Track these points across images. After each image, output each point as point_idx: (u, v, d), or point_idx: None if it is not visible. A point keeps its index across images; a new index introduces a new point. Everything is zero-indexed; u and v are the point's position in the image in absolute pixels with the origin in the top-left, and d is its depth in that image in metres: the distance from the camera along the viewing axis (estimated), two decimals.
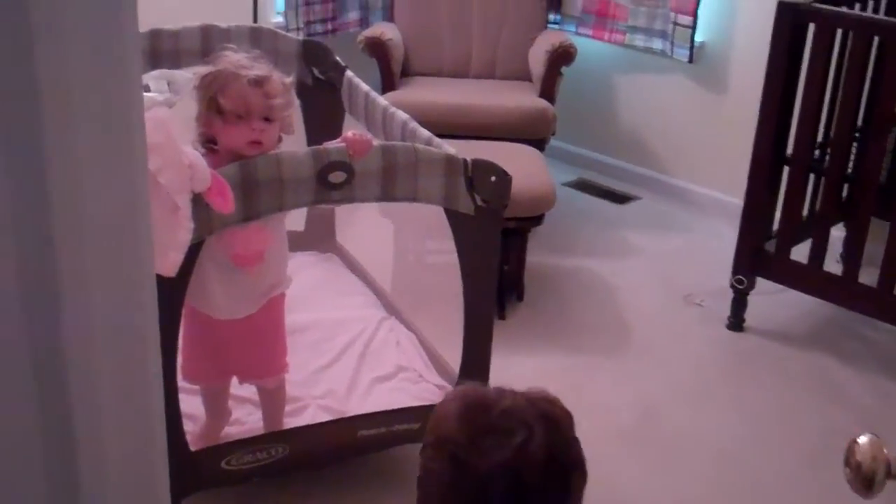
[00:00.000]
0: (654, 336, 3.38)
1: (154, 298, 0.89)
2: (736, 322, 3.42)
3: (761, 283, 3.36)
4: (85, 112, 0.79)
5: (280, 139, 2.15)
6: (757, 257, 3.31)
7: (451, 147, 2.25)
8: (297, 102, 2.21)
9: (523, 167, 3.18)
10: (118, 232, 0.84)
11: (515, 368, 2.81)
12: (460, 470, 1.15)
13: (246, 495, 2.41)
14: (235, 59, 2.12)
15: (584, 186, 4.63)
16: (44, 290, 0.79)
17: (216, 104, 2.07)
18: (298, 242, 3.02)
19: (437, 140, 2.32)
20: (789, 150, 3.24)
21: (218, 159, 2.07)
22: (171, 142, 1.85)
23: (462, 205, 2.19)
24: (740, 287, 3.35)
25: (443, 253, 2.47)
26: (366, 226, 3.16)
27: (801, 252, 3.28)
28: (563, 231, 4.08)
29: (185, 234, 1.86)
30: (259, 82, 2.07)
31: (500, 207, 2.23)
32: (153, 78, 2.01)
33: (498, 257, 2.36)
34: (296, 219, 2.94)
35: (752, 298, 3.40)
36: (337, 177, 2.03)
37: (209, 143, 2.13)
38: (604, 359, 3.21)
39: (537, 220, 3.39)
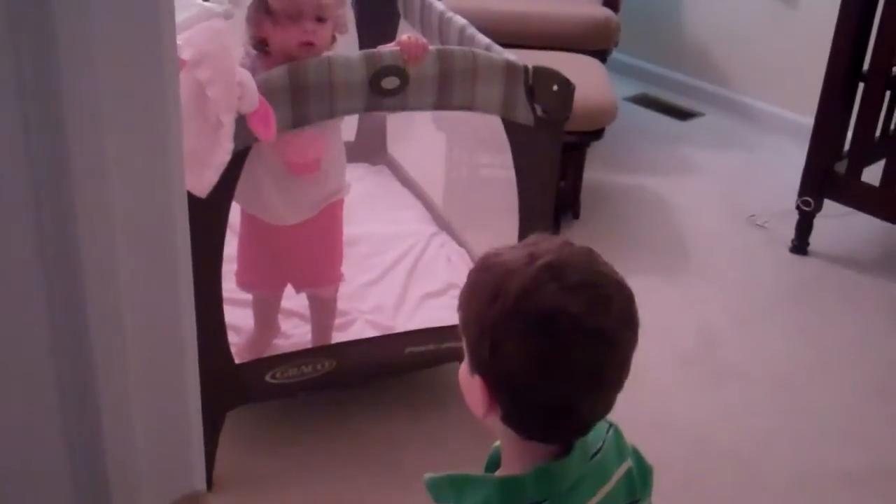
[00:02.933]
0: (714, 257, 3.27)
1: (184, 212, 0.81)
2: (800, 245, 3.30)
3: (828, 206, 3.22)
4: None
5: (334, 38, 2.05)
6: (826, 178, 3.17)
7: (511, 55, 2.13)
8: (346, 4, 2.09)
9: (584, 79, 3.03)
10: (141, 132, 0.75)
11: None
12: (562, 341, 1.05)
13: (289, 412, 2.37)
14: None
15: (645, 101, 4.47)
16: (57, 182, 0.71)
17: (265, 4, 1.98)
18: (349, 153, 2.90)
19: (496, 47, 2.20)
20: (865, 66, 3.07)
21: (270, 62, 1.98)
22: (225, 54, 1.77)
23: (521, 115, 2.09)
24: (807, 209, 3.21)
25: (497, 167, 2.37)
26: (418, 138, 3.06)
27: (872, 174, 3.13)
28: (622, 147, 3.95)
29: (223, 154, 1.78)
30: None
31: (561, 119, 2.12)
32: None
33: (557, 172, 2.26)
34: (346, 129, 2.85)
35: (819, 221, 3.26)
36: (390, 82, 1.93)
37: (261, 45, 2.04)
38: (661, 280, 3.11)
39: (597, 134, 3.26)
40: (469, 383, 1.13)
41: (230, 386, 2.09)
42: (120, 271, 0.77)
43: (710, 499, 2.27)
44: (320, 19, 1.97)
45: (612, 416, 1.16)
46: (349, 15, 2.07)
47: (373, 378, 2.39)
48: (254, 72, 1.88)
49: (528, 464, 1.13)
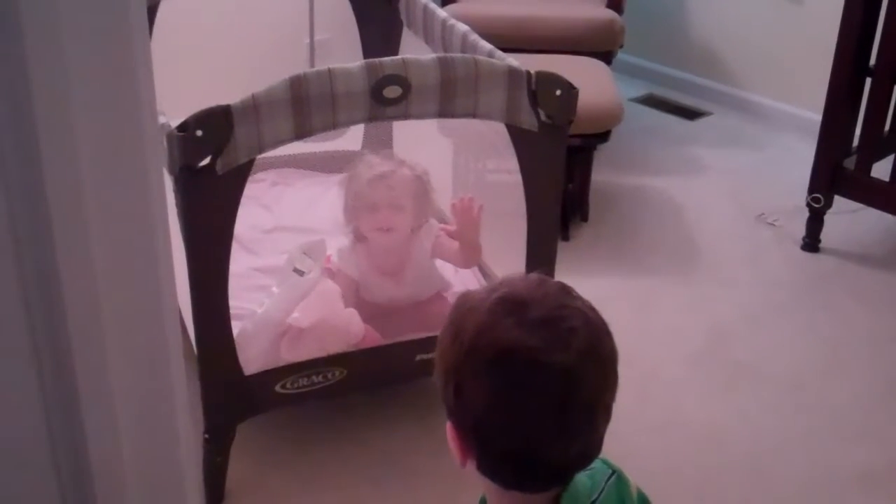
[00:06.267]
0: (724, 257, 3.26)
1: (165, 228, 0.81)
2: (811, 242, 3.28)
3: (839, 202, 3.22)
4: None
5: (425, 220, 2.33)
6: (835, 174, 3.16)
7: (513, 61, 2.13)
8: (432, 192, 2.38)
9: (590, 81, 3.04)
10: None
11: (579, 291, 2.72)
12: (519, 379, 1.00)
13: (299, 421, 2.38)
14: (368, 159, 2.34)
15: (652, 102, 4.47)
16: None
17: (348, 202, 2.31)
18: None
19: (499, 53, 2.20)
20: (872, 61, 3.06)
21: (367, 244, 2.31)
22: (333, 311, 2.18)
23: (525, 121, 2.08)
24: (816, 206, 3.20)
25: (504, 172, 2.37)
26: (424, 145, 3.06)
27: (882, 169, 3.12)
28: (630, 148, 3.95)
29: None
30: (382, 176, 2.25)
31: (565, 123, 2.11)
32: (297, 258, 2.18)
33: (563, 176, 2.26)
34: (352, 138, 2.86)
35: (829, 218, 3.26)
36: (392, 91, 1.93)
37: (357, 230, 2.32)
38: (672, 280, 3.11)
39: (604, 136, 3.25)
40: (448, 431, 1.08)
41: (240, 398, 2.09)
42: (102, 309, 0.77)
43: (724, 498, 2.26)
44: (396, 207, 2.24)
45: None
46: (432, 197, 2.35)
47: (383, 385, 2.39)
48: (352, 257, 2.32)
49: None
